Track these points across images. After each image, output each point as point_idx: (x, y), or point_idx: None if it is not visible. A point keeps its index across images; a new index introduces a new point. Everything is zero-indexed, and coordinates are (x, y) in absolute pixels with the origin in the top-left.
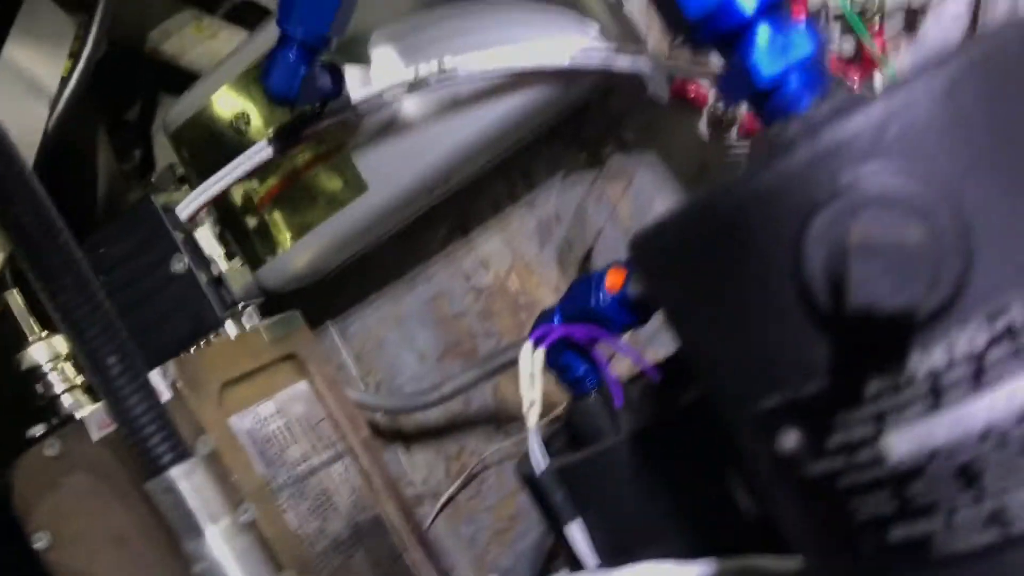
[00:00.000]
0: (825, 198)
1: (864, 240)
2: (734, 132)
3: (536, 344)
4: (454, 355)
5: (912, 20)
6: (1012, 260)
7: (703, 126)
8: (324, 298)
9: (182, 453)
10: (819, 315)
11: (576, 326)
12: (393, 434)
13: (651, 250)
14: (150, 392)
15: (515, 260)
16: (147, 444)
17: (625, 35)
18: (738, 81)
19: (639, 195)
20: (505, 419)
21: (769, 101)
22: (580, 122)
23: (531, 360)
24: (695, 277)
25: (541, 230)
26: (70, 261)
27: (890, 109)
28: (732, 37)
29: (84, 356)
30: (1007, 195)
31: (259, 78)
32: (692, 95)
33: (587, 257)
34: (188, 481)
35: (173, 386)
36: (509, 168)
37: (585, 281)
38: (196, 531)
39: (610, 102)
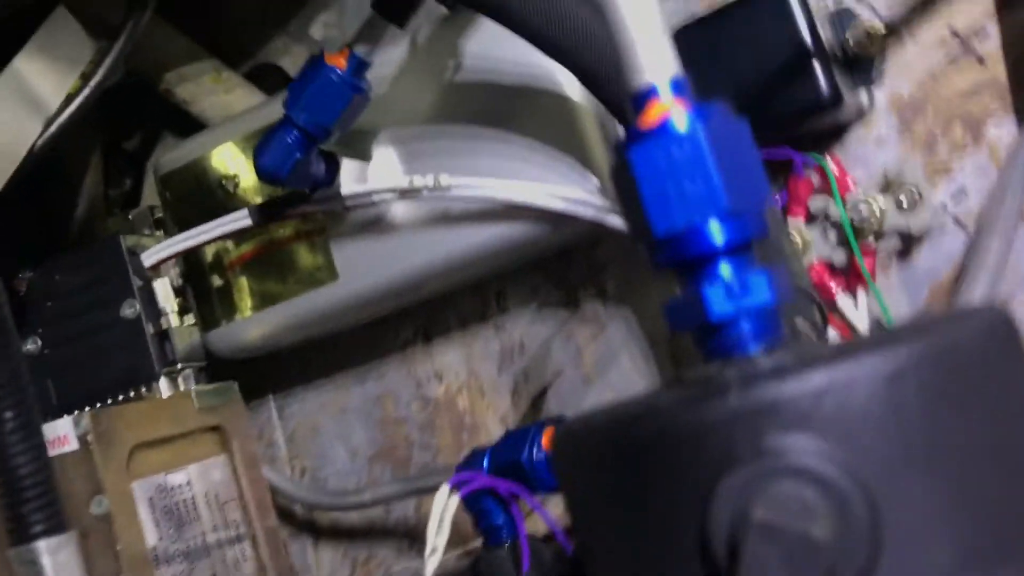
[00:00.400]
0: (742, 458)
1: (767, 519)
2: None
3: (453, 489)
4: (386, 459)
5: (908, 246)
6: (917, 569)
7: None
8: (271, 369)
9: (57, 525)
10: (714, 573)
11: (499, 479)
12: (305, 524)
13: (569, 448)
14: (41, 455)
15: (469, 378)
16: (21, 508)
17: None
18: (688, 310)
19: (607, 345)
20: (421, 536)
21: (714, 338)
22: (565, 262)
23: (444, 504)
24: (604, 490)
25: (503, 355)
26: None
27: (830, 382)
28: (693, 265)
29: None
30: (927, 501)
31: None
32: None
33: (542, 394)
34: (53, 557)
35: (82, 438)
36: (485, 287)
37: (523, 432)
38: None
39: (598, 250)
